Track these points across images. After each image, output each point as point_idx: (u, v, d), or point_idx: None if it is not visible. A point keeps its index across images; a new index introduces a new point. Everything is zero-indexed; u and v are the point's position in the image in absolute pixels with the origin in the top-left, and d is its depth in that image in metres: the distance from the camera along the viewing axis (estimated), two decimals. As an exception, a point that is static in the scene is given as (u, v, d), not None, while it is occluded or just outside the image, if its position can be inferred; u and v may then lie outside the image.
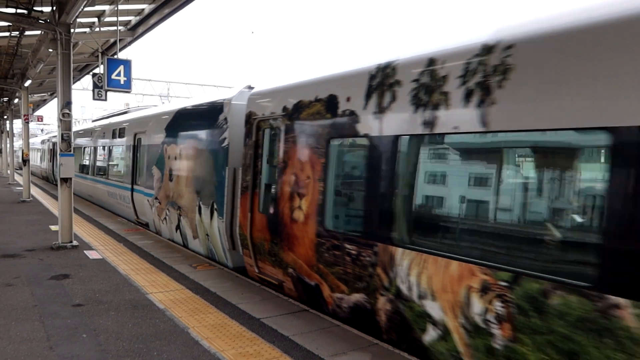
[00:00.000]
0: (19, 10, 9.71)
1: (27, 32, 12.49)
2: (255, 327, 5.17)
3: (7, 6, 9.54)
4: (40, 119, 32.04)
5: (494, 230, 4.00)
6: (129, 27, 12.03)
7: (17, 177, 27.79)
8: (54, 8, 9.15)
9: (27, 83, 17.44)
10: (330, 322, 5.32)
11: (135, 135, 12.37)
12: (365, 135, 5.00)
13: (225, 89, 11.81)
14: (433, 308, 4.24)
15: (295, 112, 6.10)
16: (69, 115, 9.31)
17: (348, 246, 5.13)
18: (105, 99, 9.91)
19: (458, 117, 4.03)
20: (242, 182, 7.26)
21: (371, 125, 4.92)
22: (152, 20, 11.22)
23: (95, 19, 11.83)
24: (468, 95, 3.96)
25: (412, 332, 4.51)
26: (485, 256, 3.85)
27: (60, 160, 9.15)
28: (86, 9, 9.25)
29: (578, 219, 3.52)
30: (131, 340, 4.75)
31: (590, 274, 3.14)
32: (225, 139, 7.80)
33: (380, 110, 4.82)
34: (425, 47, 4.56)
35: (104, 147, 15.59)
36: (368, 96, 4.99)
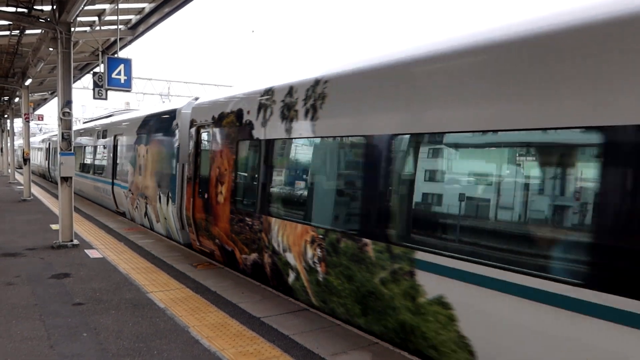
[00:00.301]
0: (19, 9, 9.71)
1: (27, 31, 12.48)
2: (256, 326, 5.17)
3: (7, 5, 9.53)
4: (40, 117, 32.01)
5: (314, 201, 5.93)
6: (129, 25, 12.02)
7: (18, 176, 27.80)
8: (54, 7, 9.14)
9: (28, 82, 17.45)
10: (330, 322, 5.33)
11: (115, 136, 14.04)
12: (257, 139, 6.80)
13: (224, 88, 12.79)
14: (290, 257, 6.06)
15: (219, 120, 7.91)
16: (70, 114, 9.30)
17: (247, 219, 7.00)
18: (106, 98, 9.96)
19: (302, 127, 5.93)
20: (187, 174, 9.08)
21: (260, 131, 6.73)
22: (152, 19, 11.20)
23: (96, 18, 11.82)
24: (307, 113, 5.80)
25: (283, 277, 6.32)
26: (312, 219, 5.81)
27: (60, 159, 9.15)
28: (86, 7, 9.25)
29: (348, 191, 5.53)
30: (131, 339, 4.76)
31: (356, 225, 5.12)
32: (177, 140, 9.68)
33: (265, 120, 6.64)
34: (290, 78, 6.38)
35: (91, 147, 17.45)
36: (259, 110, 6.79)
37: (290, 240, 6.01)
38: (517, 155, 4.00)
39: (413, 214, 4.62)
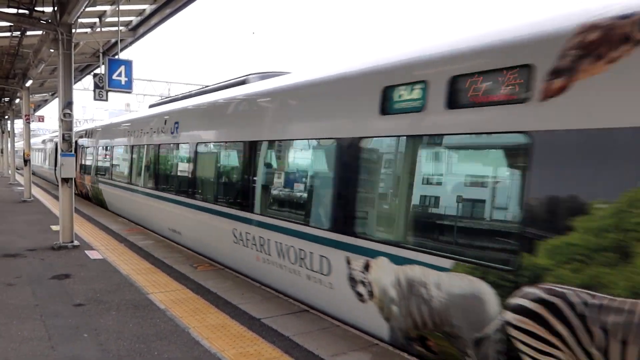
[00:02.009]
0: (20, 11, 9.72)
1: (28, 32, 12.49)
2: (256, 327, 5.18)
3: (8, 6, 9.55)
4: (41, 119, 32.04)
5: (93, 168, 17.18)
6: (130, 27, 12.04)
7: (18, 177, 27.83)
8: (56, 8, 9.15)
9: (29, 83, 17.46)
10: (330, 323, 5.33)
11: (55, 143, 22.53)
12: (86, 146, 18.41)
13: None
14: (97, 190, 16.52)
15: (82, 137, 19.01)
16: (70, 115, 9.32)
17: (89, 179, 17.64)
18: (106, 99, 10.02)
19: (93, 141, 17.59)
20: (80, 165, 18.77)
21: (88, 142, 18.19)
22: (153, 21, 11.22)
23: (97, 19, 11.84)
24: (92, 136, 17.87)
25: (97, 197, 16.66)
26: (93, 174, 17.02)
27: (61, 160, 9.17)
28: (87, 9, 9.25)
29: (99, 164, 16.90)
30: (132, 340, 4.77)
31: (97, 177, 16.89)
32: (76, 149, 18.76)
33: (89, 139, 18.14)
34: (95, 124, 19.84)
35: (49, 150, 27.93)
36: (90, 134, 18.12)
37: (91, 183, 16.97)
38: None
39: (97, 170, 16.50)
